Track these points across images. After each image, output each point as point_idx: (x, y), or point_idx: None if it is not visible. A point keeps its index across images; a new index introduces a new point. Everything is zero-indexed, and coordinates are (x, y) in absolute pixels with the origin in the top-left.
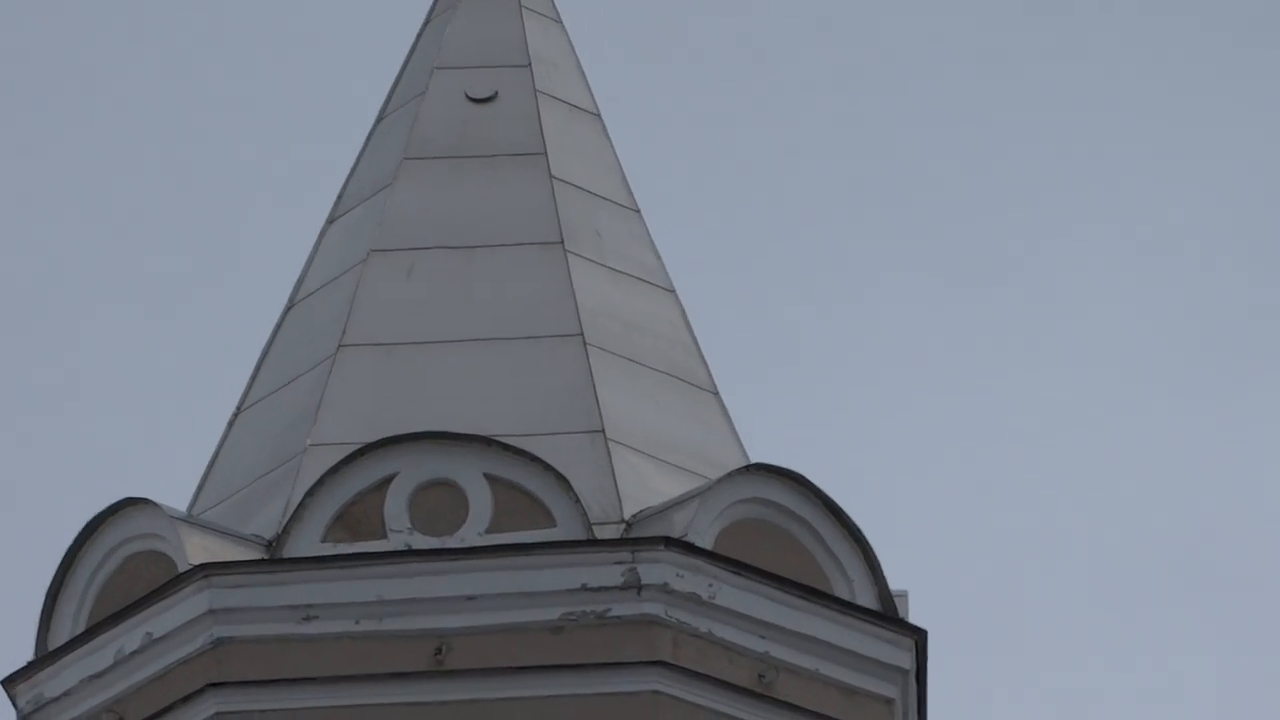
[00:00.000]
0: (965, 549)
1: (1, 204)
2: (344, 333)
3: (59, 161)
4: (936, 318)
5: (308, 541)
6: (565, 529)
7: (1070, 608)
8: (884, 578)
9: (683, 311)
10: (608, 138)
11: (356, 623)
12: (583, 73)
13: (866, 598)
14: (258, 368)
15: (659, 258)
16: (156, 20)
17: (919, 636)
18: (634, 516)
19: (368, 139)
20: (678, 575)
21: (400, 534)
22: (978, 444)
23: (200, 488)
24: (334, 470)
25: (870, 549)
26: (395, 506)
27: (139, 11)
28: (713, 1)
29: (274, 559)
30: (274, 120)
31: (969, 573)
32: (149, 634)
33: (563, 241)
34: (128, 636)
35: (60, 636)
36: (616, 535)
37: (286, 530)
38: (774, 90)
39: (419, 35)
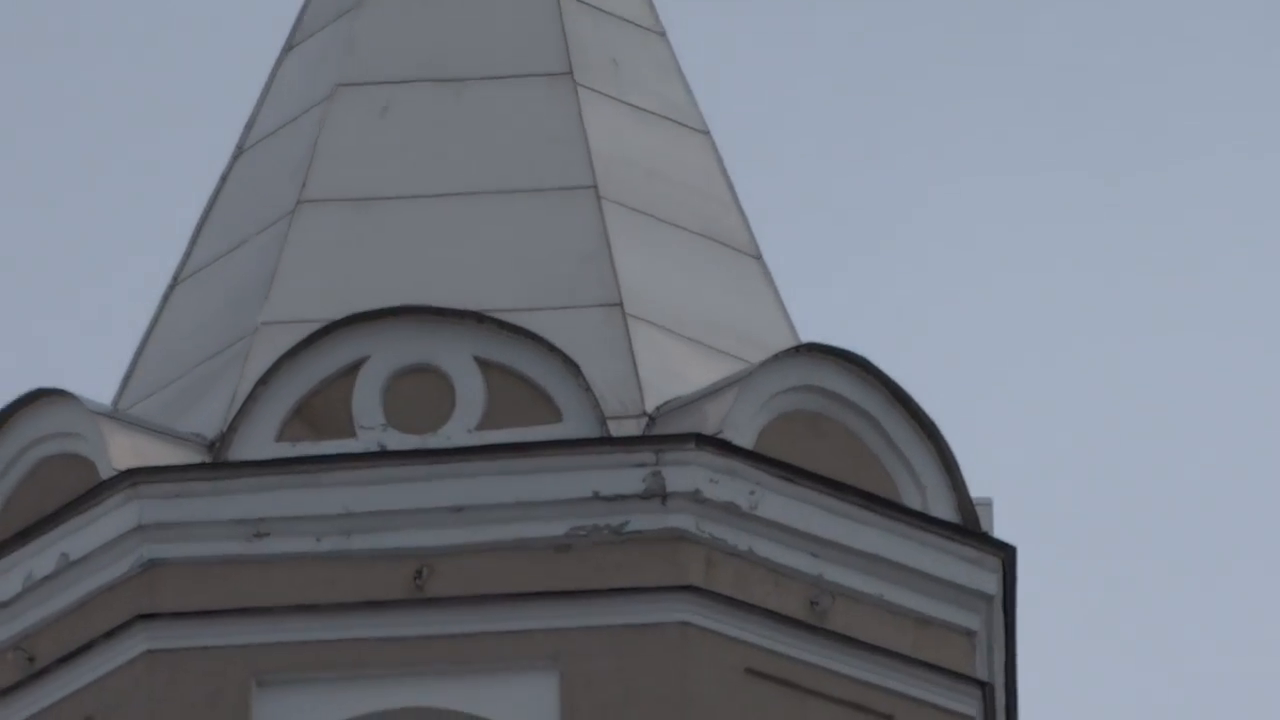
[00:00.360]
0: (1057, 452)
1: None
2: (304, 185)
3: None
4: (1028, 182)
5: (258, 442)
6: (573, 425)
7: (1177, 518)
8: (964, 483)
9: (718, 157)
10: None
11: (318, 540)
12: None
13: (942, 508)
14: (198, 228)
15: (689, 91)
16: None
17: (1006, 554)
18: (658, 409)
19: None
20: (711, 481)
21: (372, 432)
22: (1073, 332)
23: (128, 377)
24: (291, 354)
25: (947, 447)
26: (366, 398)
27: None
28: None
29: (217, 463)
30: None
31: (1062, 480)
32: (65, 555)
33: (572, 72)
34: (39, 558)
35: None
36: (637, 432)
37: (233, 428)
38: None
39: None
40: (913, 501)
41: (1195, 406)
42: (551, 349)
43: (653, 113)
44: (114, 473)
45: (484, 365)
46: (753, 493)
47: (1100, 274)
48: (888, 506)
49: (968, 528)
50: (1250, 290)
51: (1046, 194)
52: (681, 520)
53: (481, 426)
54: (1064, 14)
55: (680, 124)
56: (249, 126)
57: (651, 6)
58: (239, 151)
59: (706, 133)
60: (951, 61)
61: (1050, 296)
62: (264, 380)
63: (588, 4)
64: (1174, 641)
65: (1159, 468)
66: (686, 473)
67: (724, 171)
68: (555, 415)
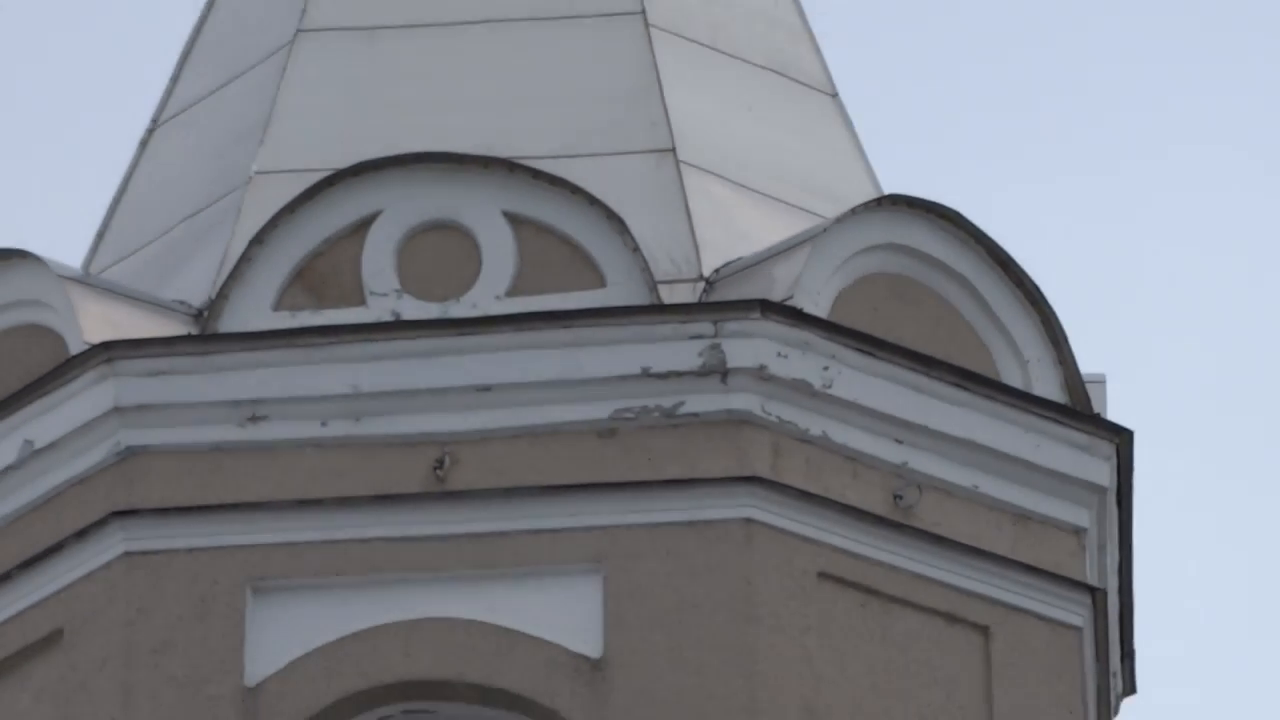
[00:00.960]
0: (1178, 323)
1: None
2: (304, 11)
3: None
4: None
5: (254, 310)
6: (619, 291)
7: None
8: (1073, 357)
9: None
10: None
11: (323, 424)
12: None
13: (1048, 385)
14: (181, 62)
15: None
16: None
17: (1122, 440)
18: (717, 272)
19: None
20: (779, 355)
21: (384, 299)
22: (1194, 189)
23: (100, 236)
24: (290, 209)
25: (1053, 316)
26: (377, 261)
27: None
28: None
29: (206, 335)
30: None
31: (1184, 355)
32: (29, 442)
33: None
34: (0, 445)
35: None
36: (692, 299)
37: (223, 295)
38: None
39: None
40: (1013, 378)
41: None
42: (593, 202)
43: None
44: (86, 347)
45: (514, 221)
46: (827, 368)
47: (1225, 129)
48: (984, 384)
49: (1077, 409)
50: None
51: (1155, 40)
52: (745, 401)
53: (511, 293)
54: None
55: None
56: None
57: None
58: None
59: None
60: None
61: (1172, 151)
62: (259, 239)
63: None
64: None
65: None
66: (750, 346)
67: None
68: (598, 280)
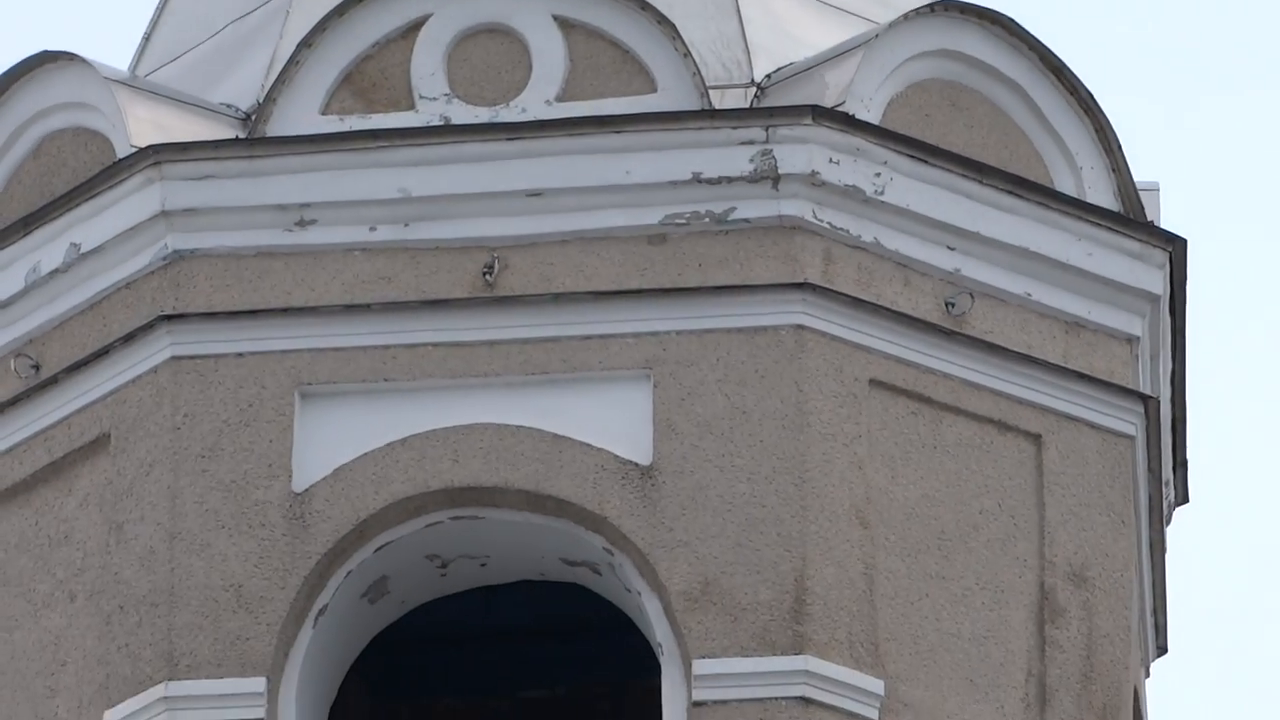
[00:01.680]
0: (1237, 131)
1: None
2: None
3: None
4: None
5: (301, 114)
6: (670, 95)
7: None
8: (1126, 165)
9: None
10: None
11: (371, 229)
12: None
13: (1101, 193)
14: None
15: None
16: None
17: (1175, 248)
18: (769, 77)
19: None
20: (831, 160)
21: (434, 102)
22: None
23: (147, 38)
24: (340, 10)
25: (1108, 122)
26: (427, 64)
27: None
28: None
29: (254, 139)
30: None
31: (1241, 164)
32: (75, 245)
33: None
34: (47, 249)
35: None
36: (744, 104)
37: (271, 98)
38: None
39: None
40: (1066, 186)
41: None
42: (644, 6)
43: None
44: (133, 150)
45: (564, 25)
46: (879, 175)
47: None
48: (1036, 191)
49: (1130, 216)
50: None
51: None
52: (796, 206)
53: (562, 97)
54: None
55: None
56: None
57: None
58: None
59: None
60: None
61: None
62: (307, 42)
63: None
64: None
65: None
66: (802, 151)
67: None
68: (648, 84)
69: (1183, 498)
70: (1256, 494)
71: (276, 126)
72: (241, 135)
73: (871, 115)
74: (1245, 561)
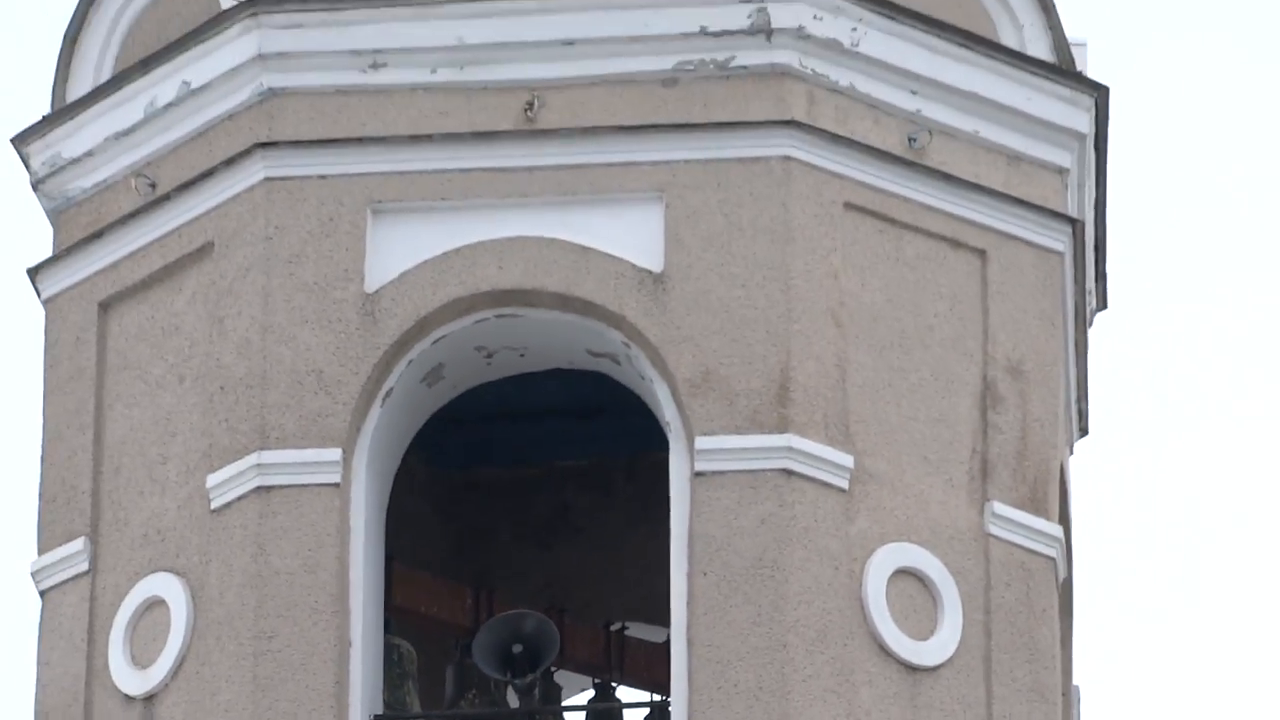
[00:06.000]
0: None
1: None
2: None
3: None
4: None
5: None
6: None
7: None
8: (1059, 22)
9: None
10: None
11: (433, 71)
12: None
13: (1039, 47)
14: None
15: None
16: None
17: (1100, 94)
18: None
19: None
20: (815, 17)
21: None
22: None
23: None
24: None
25: None
26: None
27: None
28: None
29: None
30: None
31: (1164, 22)
32: (186, 83)
33: None
34: (161, 86)
35: (81, 87)
36: None
37: None
38: None
39: None
40: (1009, 40)
41: None
42: None
43: None
44: (234, 3)
45: None
46: (855, 29)
47: None
48: (985, 45)
49: (1062, 67)
50: None
51: None
52: (785, 56)
53: None
54: None
55: None
56: None
57: None
58: None
59: None
60: None
61: None
62: None
63: None
64: (1260, 179)
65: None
66: (791, 9)
67: None
68: None
69: (1102, 304)
70: (1163, 302)
71: None
72: None
73: None
74: (1153, 358)
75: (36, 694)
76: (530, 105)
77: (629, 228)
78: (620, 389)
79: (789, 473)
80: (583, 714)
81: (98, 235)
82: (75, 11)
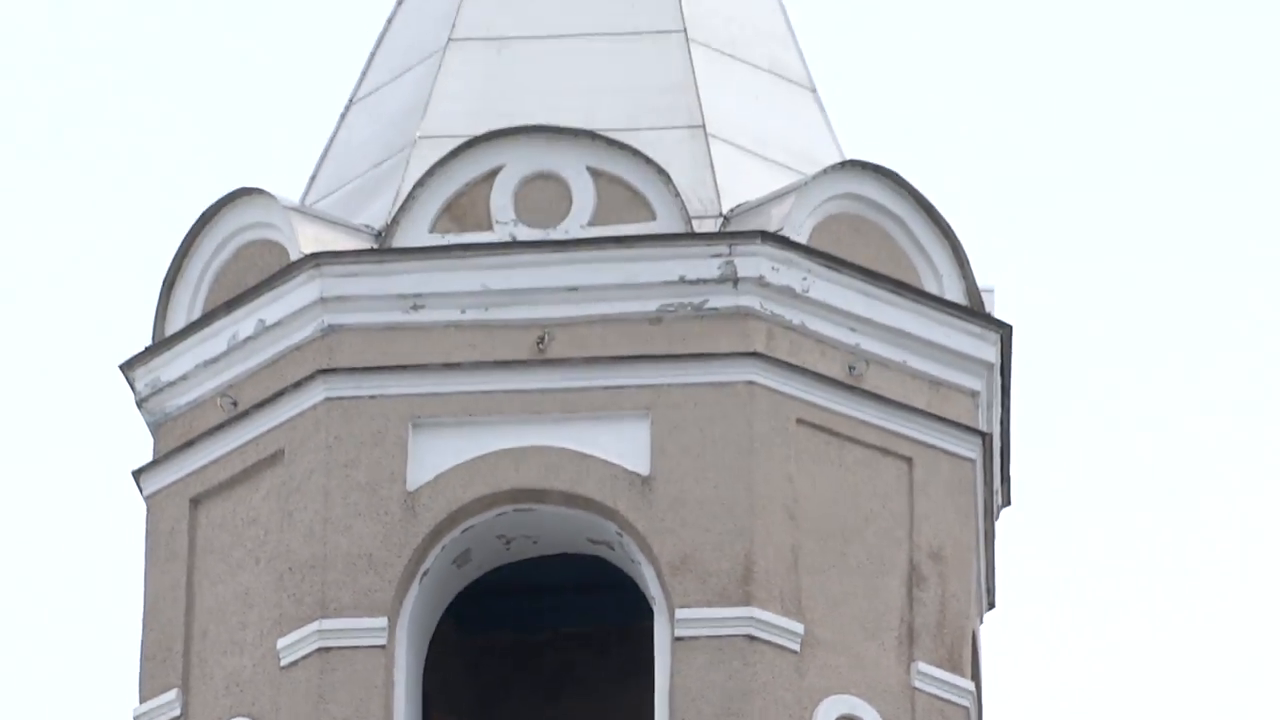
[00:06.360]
0: (1055, 250)
1: None
2: (454, 26)
3: None
4: (1034, 31)
5: (416, 232)
6: (665, 222)
7: (1159, 310)
8: (972, 273)
9: (782, 6)
10: None
11: (462, 312)
12: None
13: (955, 293)
14: (370, 60)
15: None
16: None
17: (1004, 331)
18: (732, 211)
19: None
20: (773, 269)
21: (505, 225)
22: (1069, 153)
23: (313, 178)
24: (442, 162)
25: (959, 245)
26: (501, 198)
27: None
28: None
29: (383, 249)
30: None
31: (1057, 273)
32: (262, 321)
33: None
34: (242, 323)
35: (176, 323)
36: (714, 229)
37: (395, 220)
38: None
39: None
40: (930, 287)
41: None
42: (648, 161)
43: None
44: (301, 256)
45: (595, 173)
46: (805, 279)
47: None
48: (910, 291)
49: (973, 309)
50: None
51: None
52: (749, 300)
53: (592, 222)
54: None
55: None
56: None
57: None
58: (399, 1)
59: None
60: None
61: (1053, 132)
62: (420, 183)
63: None
64: (1139, 402)
65: (1138, 262)
66: (753, 262)
67: (787, 19)
68: (650, 214)
69: (1006, 501)
70: (1057, 499)
71: (399, 240)
72: (375, 247)
73: (801, 238)
74: (1048, 545)
75: None
76: (541, 339)
77: (622, 439)
78: (615, 570)
79: (751, 638)
80: None
81: (189, 444)
82: (172, 261)
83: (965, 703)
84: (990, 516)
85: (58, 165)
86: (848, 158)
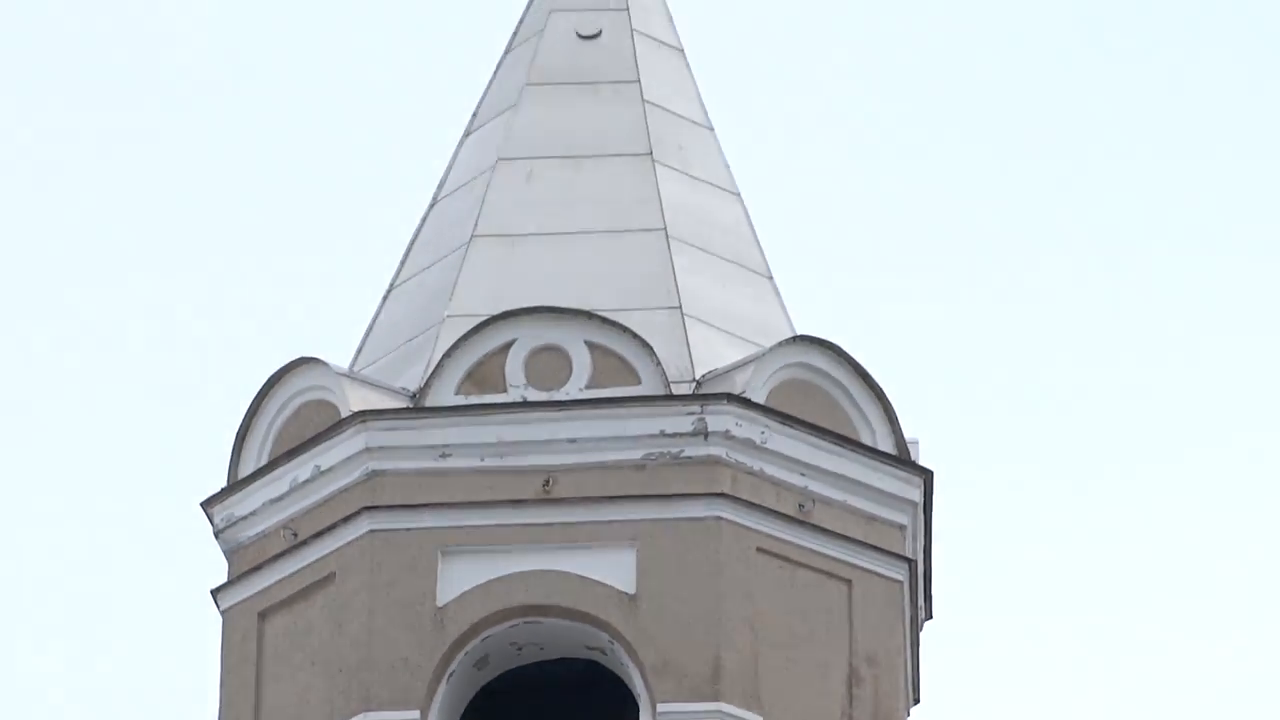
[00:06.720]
0: (975, 407)
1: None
2: (475, 225)
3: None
4: (947, 213)
5: (444, 393)
6: (648, 386)
7: (1065, 463)
8: (900, 428)
9: (745, 210)
10: (689, 69)
11: (482, 459)
12: (670, 15)
13: (886, 444)
14: (407, 252)
15: (728, 168)
16: None
17: (927, 476)
18: (703, 377)
19: (497, 68)
20: (737, 424)
21: (517, 388)
22: (991, 320)
23: (360, 349)
24: (465, 337)
25: (890, 404)
26: (514, 366)
27: None
28: None
29: (417, 407)
30: (419, 53)
31: (977, 426)
32: (317, 466)
33: (651, 153)
34: (300, 468)
35: (247, 468)
36: (689, 392)
37: (427, 384)
38: (827, 39)
39: None
40: (866, 439)
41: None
42: (635, 336)
43: (704, 181)
44: (350, 413)
45: (591, 346)
46: (763, 433)
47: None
48: (849, 442)
49: (902, 458)
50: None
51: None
52: (717, 450)
53: (589, 386)
54: None
55: (722, 189)
56: (440, 186)
57: (705, 110)
58: (433, 203)
59: (738, 195)
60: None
61: (961, 319)
62: (448, 354)
63: (663, 108)
64: (1035, 531)
65: (1048, 415)
66: (721, 419)
67: (749, 220)
68: (636, 379)
69: (929, 615)
70: (972, 614)
71: (430, 400)
72: (410, 406)
73: (759, 399)
74: (965, 651)
75: None
76: (547, 482)
77: (613, 565)
78: (607, 672)
79: None
80: None
81: (258, 568)
82: (244, 417)
83: None
84: (915, 628)
85: (155, 336)
86: (798, 333)
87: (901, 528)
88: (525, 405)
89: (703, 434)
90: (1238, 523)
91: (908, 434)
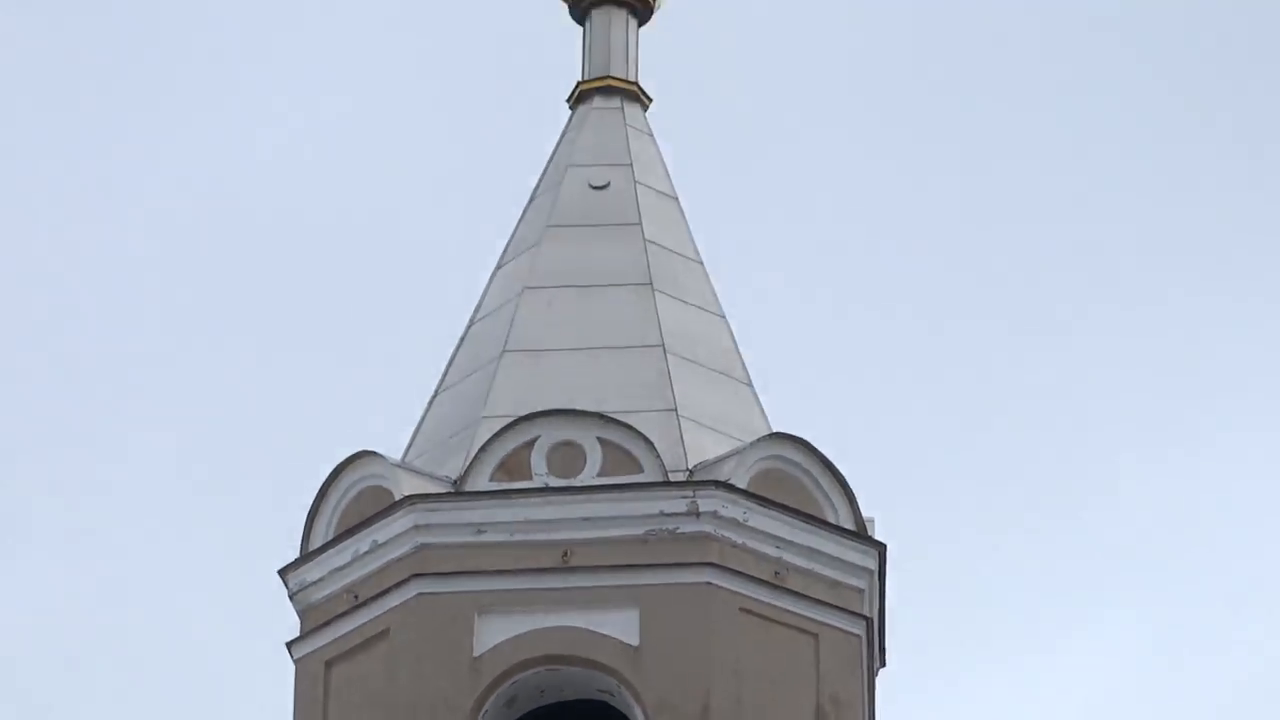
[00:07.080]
0: (921, 491)
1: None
2: (506, 343)
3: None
4: (902, 335)
5: (480, 480)
6: (650, 474)
7: (993, 535)
8: (859, 508)
9: (731, 331)
10: (683, 213)
11: (511, 535)
12: (667, 170)
13: (847, 521)
14: (449, 364)
15: (715, 295)
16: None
17: (881, 548)
18: (695, 466)
19: (523, 213)
20: (724, 506)
21: (541, 476)
22: (942, 418)
23: (411, 443)
24: (498, 434)
25: (850, 490)
26: (538, 458)
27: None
28: (758, 112)
29: (458, 492)
30: (459, 203)
31: (924, 507)
32: (375, 540)
33: (651, 283)
34: (361, 542)
35: (317, 542)
36: (683, 479)
37: (466, 473)
38: (810, 168)
39: (558, 143)
40: (830, 516)
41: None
42: (639, 433)
43: (695, 305)
44: (402, 497)
45: (602, 441)
46: (745, 513)
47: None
48: (815, 520)
49: (860, 534)
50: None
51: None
52: (707, 527)
53: (600, 474)
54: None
55: (710, 313)
56: (476, 310)
57: (696, 247)
58: (471, 324)
59: (724, 317)
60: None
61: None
62: (484, 448)
63: (661, 245)
64: (977, 594)
65: (991, 503)
66: (711, 501)
67: (734, 339)
68: (639, 469)
69: (883, 663)
70: (923, 663)
71: (469, 486)
72: (452, 490)
73: (742, 485)
74: (915, 695)
75: None
76: (565, 554)
77: (620, 622)
78: (616, 711)
79: None
80: None
81: (325, 624)
82: (314, 499)
83: None
84: (872, 674)
85: (243, 433)
86: (774, 430)
87: (860, 591)
88: (547, 490)
89: (695, 514)
90: (1151, 580)
91: (865, 513)
